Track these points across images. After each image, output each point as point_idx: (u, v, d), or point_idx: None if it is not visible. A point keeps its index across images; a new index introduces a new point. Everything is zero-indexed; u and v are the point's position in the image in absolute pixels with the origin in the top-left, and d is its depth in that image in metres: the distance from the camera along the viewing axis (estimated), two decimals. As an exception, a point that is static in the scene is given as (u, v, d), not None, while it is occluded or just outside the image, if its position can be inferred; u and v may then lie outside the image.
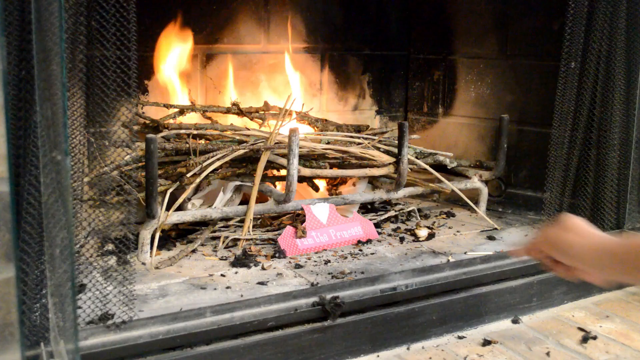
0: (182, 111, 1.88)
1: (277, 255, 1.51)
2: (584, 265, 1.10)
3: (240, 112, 1.94)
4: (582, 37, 1.65)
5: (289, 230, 1.56)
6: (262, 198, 1.66)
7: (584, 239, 1.11)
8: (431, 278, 1.42)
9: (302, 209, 1.60)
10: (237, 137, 1.74)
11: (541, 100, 1.93)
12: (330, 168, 1.77)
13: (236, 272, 1.42)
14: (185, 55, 1.94)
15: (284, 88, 2.14)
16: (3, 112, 0.92)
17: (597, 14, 1.64)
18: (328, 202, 1.64)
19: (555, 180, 1.67)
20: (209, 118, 1.91)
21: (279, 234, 1.57)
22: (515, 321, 1.50)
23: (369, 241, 1.64)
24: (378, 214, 1.87)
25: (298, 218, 1.69)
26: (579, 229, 1.13)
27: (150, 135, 1.36)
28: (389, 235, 1.71)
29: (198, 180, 1.54)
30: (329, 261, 1.50)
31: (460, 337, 1.42)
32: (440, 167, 1.93)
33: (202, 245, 1.56)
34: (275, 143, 1.63)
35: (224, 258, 1.50)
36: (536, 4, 1.96)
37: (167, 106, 1.86)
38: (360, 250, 1.58)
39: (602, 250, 1.06)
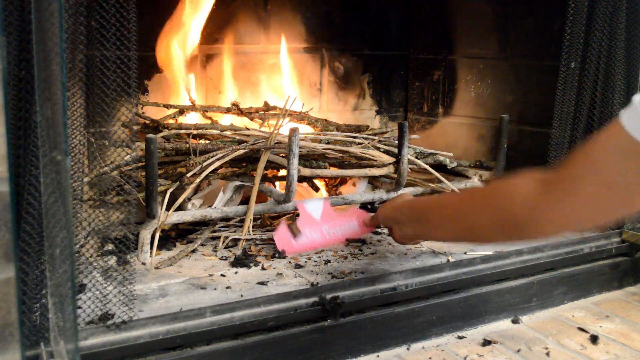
0: (182, 111, 1.88)
1: (277, 255, 1.51)
2: (397, 226, 1.36)
3: (240, 112, 1.94)
4: (582, 37, 1.65)
5: (283, 227, 1.54)
6: (262, 198, 1.66)
7: (397, 204, 1.38)
8: (431, 278, 1.42)
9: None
10: (237, 137, 1.74)
11: (541, 100, 1.93)
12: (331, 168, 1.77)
13: (236, 272, 1.42)
14: (185, 55, 1.94)
15: (283, 88, 2.14)
16: (3, 112, 0.92)
17: (597, 14, 1.64)
18: (322, 199, 1.62)
19: (555, 180, 1.67)
20: (209, 118, 1.91)
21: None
22: (515, 321, 1.50)
23: (369, 242, 1.64)
24: (378, 214, 1.87)
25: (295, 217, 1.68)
26: (400, 200, 1.42)
27: (150, 135, 1.36)
28: (389, 235, 1.71)
29: (198, 180, 1.54)
30: (329, 261, 1.50)
31: (460, 337, 1.42)
32: (440, 167, 1.93)
33: (202, 245, 1.56)
34: (275, 143, 1.63)
35: (224, 258, 1.50)
36: (536, 4, 1.96)
37: (167, 106, 1.87)
38: (360, 250, 1.58)
39: (403, 208, 1.34)
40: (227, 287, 1.33)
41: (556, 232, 0.99)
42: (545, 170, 1.00)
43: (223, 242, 1.57)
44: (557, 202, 0.93)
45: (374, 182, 1.88)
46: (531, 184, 0.98)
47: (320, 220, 1.58)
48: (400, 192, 1.75)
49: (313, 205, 1.60)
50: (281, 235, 1.53)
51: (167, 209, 1.48)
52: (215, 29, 2.02)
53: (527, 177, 1.00)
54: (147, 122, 1.78)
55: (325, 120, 2.06)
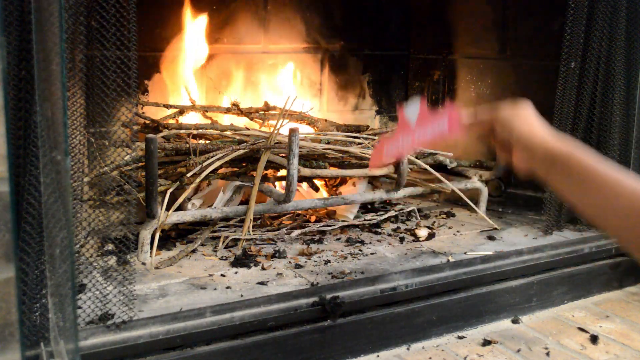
0: (182, 111, 1.88)
1: (277, 255, 1.51)
2: (517, 149, 1.15)
3: (240, 112, 1.94)
4: (582, 37, 1.65)
5: (381, 143, 1.43)
6: (262, 198, 1.66)
7: (527, 127, 1.16)
8: (431, 278, 1.42)
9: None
10: (237, 137, 1.74)
11: (541, 100, 1.93)
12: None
13: (236, 272, 1.42)
14: (185, 54, 1.94)
15: (283, 88, 2.14)
16: (3, 112, 0.92)
17: (597, 14, 1.64)
18: (419, 99, 1.47)
19: (555, 180, 1.67)
20: (209, 118, 1.91)
21: (279, 234, 1.57)
22: (515, 321, 1.50)
23: (368, 242, 1.63)
24: (378, 214, 1.86)
25: (298, 218, 1.69)
26: (528, 117, 1.19)
27: (150, 135, 1.36)
28: (389, 235, 1.71)
29: (198, 180, 1.54)
30: (329, 261, 1.50)
31: (460, 337, 1.42)
32: (440, 167, 1.93)
33: (202, 245, 1.56)
34: (275, 143, 1.63)
35: (224, 258, 1.50)
36: (536, 4, 1.96)
37: (167, 106, 1.87)
38: (360, 250, 1.58)
39: (547, 147, 1.11)
40: (227, 287, 1.33)
41: None
42: None
43: (223, 242, 1.57)
44: None
45: (374, 182, 1.88)
46: None
47: (415, 125, 1.45)
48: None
49: (411, 109, 1.46)
50: (378, 149, 1.39)
51: (167, 209, 1.48)
52: (215, 29, 2.02)
53: None
54: (147, 122, 1.78)
55: (325, 120, 2.06)
